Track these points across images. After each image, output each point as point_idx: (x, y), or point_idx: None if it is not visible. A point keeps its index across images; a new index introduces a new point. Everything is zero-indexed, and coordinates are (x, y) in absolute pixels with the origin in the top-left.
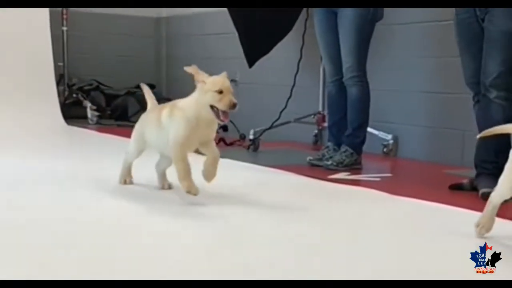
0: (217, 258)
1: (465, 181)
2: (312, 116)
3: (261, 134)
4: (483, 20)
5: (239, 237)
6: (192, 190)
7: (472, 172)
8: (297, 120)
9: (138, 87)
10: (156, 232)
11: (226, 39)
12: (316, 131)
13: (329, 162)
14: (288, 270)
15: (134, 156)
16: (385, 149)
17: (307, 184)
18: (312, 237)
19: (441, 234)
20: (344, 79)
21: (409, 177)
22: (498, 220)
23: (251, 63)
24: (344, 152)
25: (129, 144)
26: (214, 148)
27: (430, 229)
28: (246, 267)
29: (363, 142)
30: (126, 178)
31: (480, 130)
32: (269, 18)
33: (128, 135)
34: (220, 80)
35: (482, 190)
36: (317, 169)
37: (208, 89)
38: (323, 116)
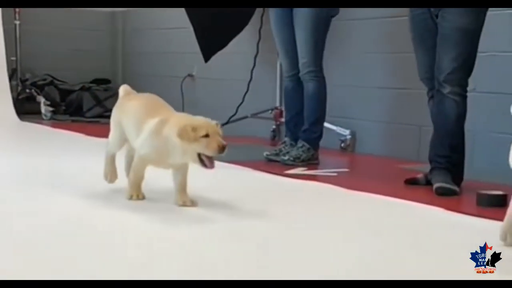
0: (169, 256)
1: (420, 176)
2: (270, 111)
3: None
4: (437, 16)
5: (192, 234)
6: (134, 197)
7: (428, 167)
8: (254, 115)
9: (93, 82)
10: (106, 230)
11: (183, 33)
12: (274, 127)
13: (286, 157)
14: (240, 268)
15: (116, 146)
16: (342, 145)
17: (263, 179)
18: (267, 233)
19: (395, 228)
20: (300, 74)
21: (365, 172)
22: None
23: (207, 57)
24: (301, 147)
25: (110, 134)
26: (184, 175)
27: (385, 224)
28: (199, 266)
29: (320, 137)
30: (109, 175)
31: (435, 125)
32: (225, 12)
33: (83, 131)
34: (204, 122)
35: (436, 185)
36: (274, 165)
37: (195, 137)
38: (281, 111)
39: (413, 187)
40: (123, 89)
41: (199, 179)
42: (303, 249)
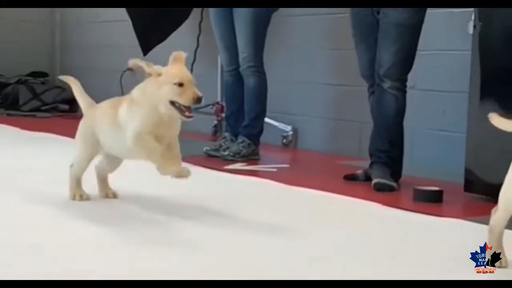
0: (103, 255)
1: (359, 171)
2: (211, 106)
3: None
4: (378, 12)
5: (127, 232)
6: (183, 173)
7: (367, 164)
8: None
9: (30, 75)
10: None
11: (122, 26)
12: (215, 122)
13: (226, 153)
14: (178, 267)
15: (84, 165)
16: (284, 141)
17: (203, 174)
18: (203, 229)
19: (332, 223)
20: (241, 69)
21: (306, 168)
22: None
23: (145, 51)
24: (241, 142)
25: (76, 152)
26: (177, 150)
27: (323, 219)
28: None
29: (260, 132)
30: (77, 193)
31: (374, 121)
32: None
33: (19, 125)
34: (179, 70)
35: (374, 180)
36: (214, 160)
37: (164, 82)
38: (222, 107)
39: (352, 183)
40: (85, 102)
41: (140, 174)
42: (242, 246)
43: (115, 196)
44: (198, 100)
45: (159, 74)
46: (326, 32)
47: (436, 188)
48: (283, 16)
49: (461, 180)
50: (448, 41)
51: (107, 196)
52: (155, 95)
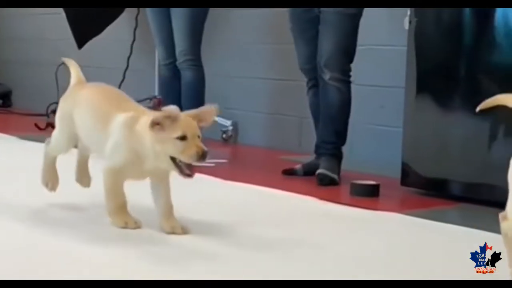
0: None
1: (298, 166)
2: (148, 100)
3: None
4: None
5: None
6: (129, 225)
7: (307, 158)
8: None
9: None
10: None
11: (56, 19)
12: None
13: None
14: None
15: (61, 147)
16: (224, 135)
17: None
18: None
19: (269, 217)
20: (177, 63)
21: (245, 163)
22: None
23: (80, 44)
24: None
25: (54, 131)
26: (167, 191)
27: (260, 213)
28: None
29: None
30: (51, 181)
31: (313, 115)
32: None
33: None
34: (183, 121)
35: (318, 171)
36: None
37: (167, 137)
38: (159, 101)
39: (291, 177)
40: (75, 76)
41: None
42: (171, 242)
43: (88, 183)
44: (203, 156)
45: (163, 129)
46: (265, 26)
47: (373, 182)
48: (222, 10)
49: (398, 174)
50: (386, 36)
51: (81, 183)
52: (154, 148)
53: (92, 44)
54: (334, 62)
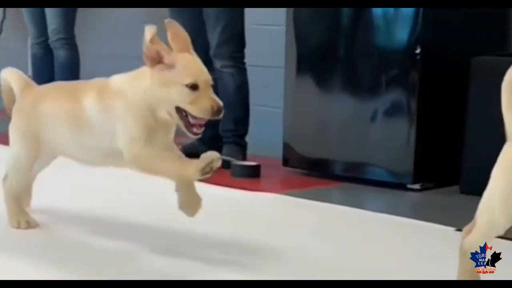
0: None
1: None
2: None
3: None
4: None
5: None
6: (208, 160)
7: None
8: None
9: None
10: None
11: None
12: None
13: None
14: None
15: (23, 174)
16: None
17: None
18: None
19: (146, 201)
20: (50, 41)
21: None
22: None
23: None
24: None
25: (10, 157)
26: (177, 151)
27: (134, 198)
28: None
29: None
30: (22, 218)
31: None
32: None
33: None
34: (193, 64)
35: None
36: None
37: (172, 80)
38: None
39: None
40: (18, 81)
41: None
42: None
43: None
44: (218, 111)
45: (172, 66)
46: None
47: (253, 163)
48: None
49: (281, 155)
50: (267, 16)
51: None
52: (157, 95)
53: None
54: (222, 52)
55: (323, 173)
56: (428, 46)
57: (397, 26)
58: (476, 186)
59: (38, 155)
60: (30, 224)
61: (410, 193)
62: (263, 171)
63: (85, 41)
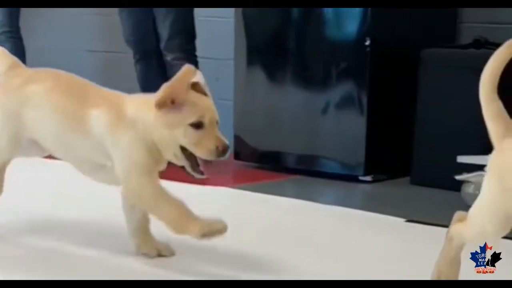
0: None
1: None
2: None
3: None
4: None
5: None
6: (213, 226)
7: None
8: None
9: None
10: None
11: None
12: None
13: None
14: None
15: (2, 154)
16: None
17: None
18: None
19: (88, 197)
20: None
21: None
22: None
23: None
24: None
25: None
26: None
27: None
28: None
29: None
30: None
31: (142, 89)
32: None
33: None
34: (203, 103)
35: None
36: None
37: (178, 122)
38: None
39: None
40: (4, 59)
41: None
42: None
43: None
44: (223, 151)
45: (180, 108)
46: None
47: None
48: None
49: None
50: (218, 8)
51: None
52: (161, 136)
53: None
54: (173, 44)
55: (274, 166)
56: (378, 38)
57: (347, 19)
58: (426, 178)
59: (18, 138)
60: None
61: (362, 185)
62: (213, 165)
63: (31, 34)
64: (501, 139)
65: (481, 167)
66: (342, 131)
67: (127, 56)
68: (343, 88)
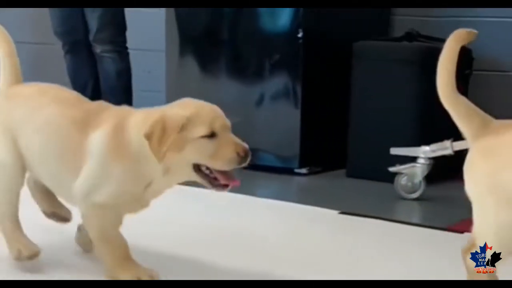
0: None
1: None
2: None
3: None
4: None
5: None
6: (142, 277)
7: None
8: None
9: None
10: None
11: None
12: None
13: None
14: None
15: (9, 195)
16: None
17: None
18: None
19: None
20: None
21: None
22: None
23: None
24: None
25: None
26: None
27: None
28: None
29: None
30: (23, 247)
31: (71, 80)
32: None
33: None
34: (206, 112)
35: None
36: None
37: (185, 141)
38: None
39: None
40: (10, 72)
41: None
42: None
43: (67, 218)
44: (245, 156)
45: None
46: None
47: None
48: None
49: None
50: None
51: (55, 216)
52: (170, 160)
53: None
54: (102, 36)
55: None
56: (311, 30)
57: (280, 10)
58: (361, 170)
59: (14, 159)
60: (34, 254)
61: (297, 178)
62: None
63: None
64: (480, 137)
65: (413, 159)
66: (277, 124)
67: (57, 47)
68: (277, 80)
